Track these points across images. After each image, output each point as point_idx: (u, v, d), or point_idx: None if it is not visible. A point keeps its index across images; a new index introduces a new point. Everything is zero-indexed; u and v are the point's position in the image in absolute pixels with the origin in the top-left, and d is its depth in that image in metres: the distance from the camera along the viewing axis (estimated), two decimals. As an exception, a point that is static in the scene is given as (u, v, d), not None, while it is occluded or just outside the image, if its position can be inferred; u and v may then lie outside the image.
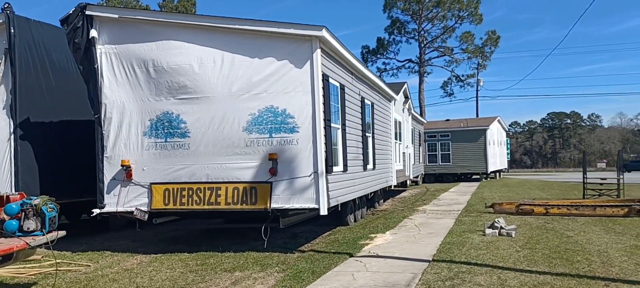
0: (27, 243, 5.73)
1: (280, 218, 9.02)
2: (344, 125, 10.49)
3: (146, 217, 9.32)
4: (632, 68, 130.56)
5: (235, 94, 9.06)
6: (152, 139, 9.39)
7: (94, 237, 11.07)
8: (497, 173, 37.23)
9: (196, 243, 10.15)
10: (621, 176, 17.24)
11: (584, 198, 16.96)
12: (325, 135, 9.04)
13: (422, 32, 50.54)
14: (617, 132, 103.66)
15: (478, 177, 34.35)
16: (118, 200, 9.44)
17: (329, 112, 9.35)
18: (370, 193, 13.86)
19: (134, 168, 9.41)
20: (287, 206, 8.84)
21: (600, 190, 17.61)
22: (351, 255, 8.64)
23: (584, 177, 17.63)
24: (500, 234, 10.15)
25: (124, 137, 9.49)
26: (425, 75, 51.19)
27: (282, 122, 8.91)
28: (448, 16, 48.94)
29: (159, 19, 9.36)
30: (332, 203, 9.28)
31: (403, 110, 19.71)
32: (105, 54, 9.57)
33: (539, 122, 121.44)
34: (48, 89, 10.58)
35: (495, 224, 10.38)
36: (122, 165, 9.37)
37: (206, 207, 9.10)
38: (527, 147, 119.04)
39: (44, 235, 6.01)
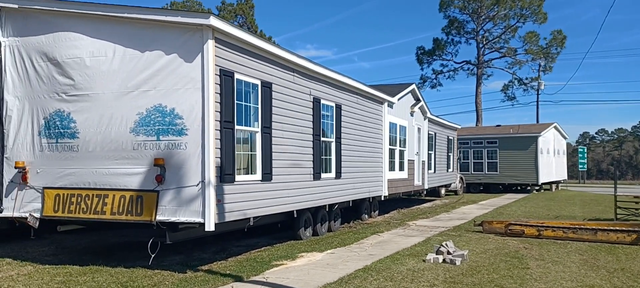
0: None
1: (167, 232, 7.94)
2: (268, 128, 9.24)
3: (37, 224, 8.60)
4: None
5: (124, 92, 8.12)
6: (45, 140, 8.68)
7: (11, 243, 10.51)
8: (553, 185, 33.86)
9: (105, 255, 9.31)
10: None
11: (616, 219, 14.46)
12: (220, 139, 7.87)
13: (482, 32, 47.53)
14: None
15: (529, 188, 31.36)
16: (15, 205, 8.81)
17: (231, 113, 8.16)
18: (336, 204, 12.44)
19: (30, 171, 8.74)
20: (172, 219, 7.75)
21: (636, 209, 14.95)
22: (240, 280, 7.42)
23: (615, 195, 15.06)
24: (444, 261, 8.48)
25: (21, 137, 8.85)
26: (483, 77, 48.08)
27: (170, 123, 7.85)
28: (510, 15, 45.62)
29: (56, 9, 8.59)
30: (230, 218, 8.07)
31: (412, 113, 17.95)
32: (8, 47, 8.99)
33: (629, 130, 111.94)
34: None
35: (442, 249, 8.70)
36: (16, 167, 8.73)
37: (92, 216, 8.23)
38: (615, 156, 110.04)
39: None
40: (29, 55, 8.81)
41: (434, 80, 50.79)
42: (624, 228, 10.58)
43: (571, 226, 11.07)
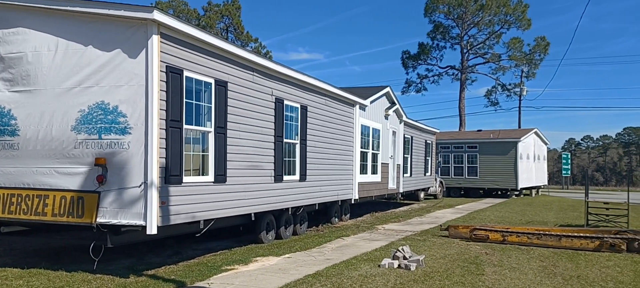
0: None
1: (109, 235, 7.61)
2: (222, 128, 8.94)
3: (-24, 225, 8.24)
4: None
5: (66, 88, 7.79)
6: (-15, 137, 8.32)
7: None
8: (533, 190, 33.85)
9: (52, 258, 8.95)
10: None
11: (586, 225, 14.33)
12: (166, 139, 7.57)
13: (467, 38, 47.55)
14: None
15: (508, 193, 31.29)
16: (-46, 205, 8.42)
17: (179, 112, 7.86)
18: (300, 207, 12.15)
19: (-31, 170, 8.36)
20: (114, 221, 7.43)
21: (606, 215, 14.83)
22: (182, 286, 7.10)
23: (586, 201, 14.93)
24: (399, 266, 8.23)
25: (-38, 135, 8.48)
26: (467, 82, 48.06)
27: (113, 121, 7.53)
28: (494, 21, 45.66)
29: (6, 2, 8.25)
30: (176, 220, 7.77)
31: (386, 116, 17.73)
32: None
33: (614, 137, 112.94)
34: None
35: (398, 254, 8.45)
36: (-45, 166, 8.36)
37: (33, 217, 7.87)
38: (600, 163, 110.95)
39: None
40: (-28, 50, 8.45)
41: (419, 85, 50.73)
42: (587, 235, 10.41)
43: (536, 232, 10.89)
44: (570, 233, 10.50)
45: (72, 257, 8.99)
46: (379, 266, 8.31)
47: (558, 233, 10.60)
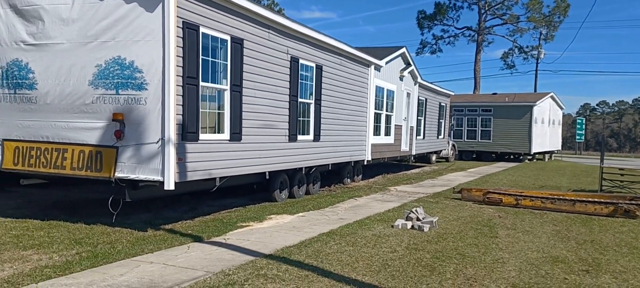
0: None
1: (127, 190, 7.71)
2: (238, 86, 8.90)
3: (-4, 177, 8.39)
4: None
5: (83, 42, 7.76)
6: (3, 90, 8.37)
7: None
8: (546, 155, 33.64)
9: (70, 211, 9.12)
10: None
11: (600, 191, 14.27)
12: (183, 96, 7.57)
13: (484, -2, 46.47)
14: None
15: (521, 157, 31.15)
16: (-25, 157, 8.57)
17: (196, 69, 7.83)
18: (313, 167, 12.21)
19: (-11, 122, 8.46)
20: (132, 176, 7.51)
21: (621, 182, 14.74)
22: (199, 240, 7.23)
23: (601, 166, 14.82)
24: (412, 227, 8.28)
25: (-20, 87, 8.54)
26: (483, 44, 47.27)
27: (130, 76, 7.52)
28: (514, -20, 44.50)
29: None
30: (193, 177, 7.84)
31: (401, 77, 17.55)
32: (-32, -7, 8.58)
33: (630, 102, 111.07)
34: None
35: (411, 215, 8.50)
36: (-26, 118, 8.46)
37: (52, 170, 7.99)
38: (615, 129, 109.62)
39: None
40: (-11, 2, 8.42)
41: (434, 46, 50.01)
42: (602, 200, 10.37)
43: (550, 196, 10.86)
44: (584, 199, 10.46)
45: (90, 210, 9.16)
46: (392, 227, 8.37)
47: (572, 198, 10.56)
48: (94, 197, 9.91)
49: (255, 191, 11.92)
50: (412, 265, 6.09)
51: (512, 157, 31.85)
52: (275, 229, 8.10)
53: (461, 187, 13.10)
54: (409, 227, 8.29)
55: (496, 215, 9.92)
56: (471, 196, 11.79)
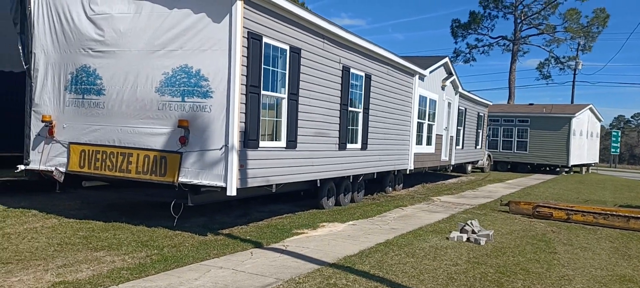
0: None
1: (189, 194, 7.91)
2: (295, 94, 9.05)
3: (62, 178, 8.68)
4: None
5: (150, 50, 8.01)
6: (72, 95, 8.67)
7: (39, 195, 10.69)
8: (583, 168, 33.00)
9: (129, 213, 9.37)
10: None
11: (649, 206, 13.96)
12: (246, 104, 7.74)
13: (521, 7, 45.89)
14: None
15: (558, 169, 30.63)
16: (41, 158, 8.90)
17: (258, 78, 7.99)
18: (360, 175, 12.27)
19: (56, 125, 8.78)
20: (195, 181, 7.71)
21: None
22: (259, 246, 7.36)
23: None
24: (468, 240, 8.27)
25: (48, 91, 8.87)
26: (518, 54, 46.65)
27: (196, 84, 7.73)
28: (551, -11, 43.85)
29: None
30: (253, 183, 8.00)
31: (443, 87, 17.50)
32: (39, 0, 8.94)
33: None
34: (3, 35, 10.11)
35: (466, 227, 8.49)
36: (43, 121, 8.78)
37: (118, 174, 8.25)
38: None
39: None
40: (58, 9, 8.75)
41: (468, 55, 49.56)
42: (659, 218, 10.16)
43: (602, 212, 10.69)
44: (639, 215, 10.27)
45: (147, 212, 9.39)
46: (447, 238, 8.38)
47: (626, 214, 10.38)
48: (149, 200, 10.20)
49: (301, 198, 12.05)
50: (479, 279, 6.10)
51: (547, 168, 31.36)
52: (331, 237, 8.19)
53: (507, 199, 12.99)
54: (464, 239, 8.28)
55: (549, 229, 9.82)
56: (519, 209, 11.68)
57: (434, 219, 10.43)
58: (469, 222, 8.60)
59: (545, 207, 11.27)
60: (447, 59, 17.36)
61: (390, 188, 15.03)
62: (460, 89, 19.46)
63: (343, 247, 7.48)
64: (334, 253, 7.04)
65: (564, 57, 46.84)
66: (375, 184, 14.63)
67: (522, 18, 45.99)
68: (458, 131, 20.18)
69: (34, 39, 8.94)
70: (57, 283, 5.21)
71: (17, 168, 9.06)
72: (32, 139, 8.99)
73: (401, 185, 15.95)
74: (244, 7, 7.56)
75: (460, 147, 20.71)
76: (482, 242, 8.09)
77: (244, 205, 10.93)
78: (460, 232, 8.48)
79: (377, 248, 7.46)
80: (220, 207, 10.46)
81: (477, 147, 24.39)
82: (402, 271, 6.29)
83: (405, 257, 7.03)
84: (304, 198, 11.91)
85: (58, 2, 8.71)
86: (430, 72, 15.88)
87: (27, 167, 9.01)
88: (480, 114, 24.25)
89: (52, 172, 8.73)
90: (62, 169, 8.67)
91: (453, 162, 19.70)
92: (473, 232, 8.39)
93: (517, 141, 31.06)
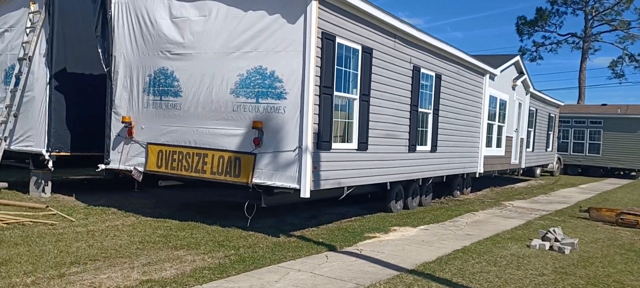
0: None
1: (263, 195, 7.93)
2: (366, 95, 8.91)
3: (141, 177, 8.94)
4: None
5: (226, 52, 8.10)
6: (150, 96, 8.91)
7: (116, 194, 11.06)
8: (663, 173, 30.92)
9: (202, 213, 9.52)
10: None
11: None
12: (319, 105, 7.67)
13: (592, 3, 43.68)
14: None
15: (634, 173, 28.88)
16: (121, 157, 9.21)
17: (331, 78, 7.91)
18: (429, 178, 11.96)
19: (135, 126, 9.05)
20: (268, 183, 7.72)
21: None
22: (333, 249, 7.28)
23: None
24: (551, 248, 7.85)
25: (128, 93, 9.16)
26: (589, 52, 44.42)
27: (270, 86, 7.74)
28: (625, -17, 41.47)
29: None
30: (325, 185, 7.92)
31: (513, 87, 16.84)
32: (119, 4, 9.25)
33: None
34: (85, 38, 10.52)
35: (549, 235, 8.07)
36: (123, 122, 9.07)
37: (193, 174, 8.40)
38: None
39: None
40: (137, 13, 9.01)
41: (534, 53, 47.63)
42: None
43: (696, 221, 9.91)
44: None
45: (220, 212, 9.52)
46: (528, 246, 7.99)
47: None
48: (220, 200, 10.35)
49: (368, 200, 11.89)
50: (570, 291, 5.75)
51: (621, 173, 29.64)
52: (405, 242, 7.99)
53: (586, 205, 12.30)
54: (547, 247, 7.86)
55: (636, 238, 9.19)
56: (601, 216, 11.03)
57: (510, 225, 10.00)
58: (551, 229, 8.17)
59: (630, 214, 10.58)
60: (518, 57, 16.70)
61: (458, 192, 14.60)
62: (531, 89, 18.69)
63: (418, 253, 7.27)
64: (410, 259, 6.85)
65: (639, 55, 44.17)
66: (443, 187, 14.24)
67: (593, 14, 43.76)
68: (528, 133, 19.39)
69: (114, 42, 9.25)
70: (144, 281, 5.32)
71: (98, 167, 9.41)
72: (112, 139, 9.31)
73: (469, 188, 15.47)
74: (319, 7, 7.50)
75: (530, 149, 19.89)
76: (567, 251, 7.65)
77: (312, 207, 10.89)
78: (542, 240, 8.06)
79: (455, 255, 7.20)
80: (288, 209, 10.47)
81: (548, 149, 23.38)
82: (485, 280, 6.02)
83: (487, 265, 6.74)
84: (371, 201, 11.74)
85: (138, 7, 8.97)
86: (501, 71, 15.31)
87: (107, 166, 9.34)
88: (551, 114, 23.23)
89: (131, 171, 9.01)
90: (141, 169, 8.92)
91: (523, 165, 18.94)
92: (556, 240, 7.96)
93: (589, 143, 29.50)
